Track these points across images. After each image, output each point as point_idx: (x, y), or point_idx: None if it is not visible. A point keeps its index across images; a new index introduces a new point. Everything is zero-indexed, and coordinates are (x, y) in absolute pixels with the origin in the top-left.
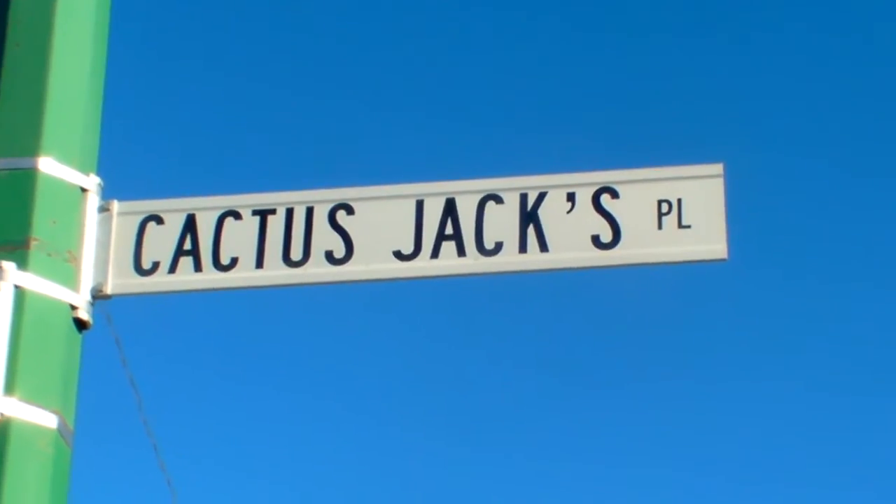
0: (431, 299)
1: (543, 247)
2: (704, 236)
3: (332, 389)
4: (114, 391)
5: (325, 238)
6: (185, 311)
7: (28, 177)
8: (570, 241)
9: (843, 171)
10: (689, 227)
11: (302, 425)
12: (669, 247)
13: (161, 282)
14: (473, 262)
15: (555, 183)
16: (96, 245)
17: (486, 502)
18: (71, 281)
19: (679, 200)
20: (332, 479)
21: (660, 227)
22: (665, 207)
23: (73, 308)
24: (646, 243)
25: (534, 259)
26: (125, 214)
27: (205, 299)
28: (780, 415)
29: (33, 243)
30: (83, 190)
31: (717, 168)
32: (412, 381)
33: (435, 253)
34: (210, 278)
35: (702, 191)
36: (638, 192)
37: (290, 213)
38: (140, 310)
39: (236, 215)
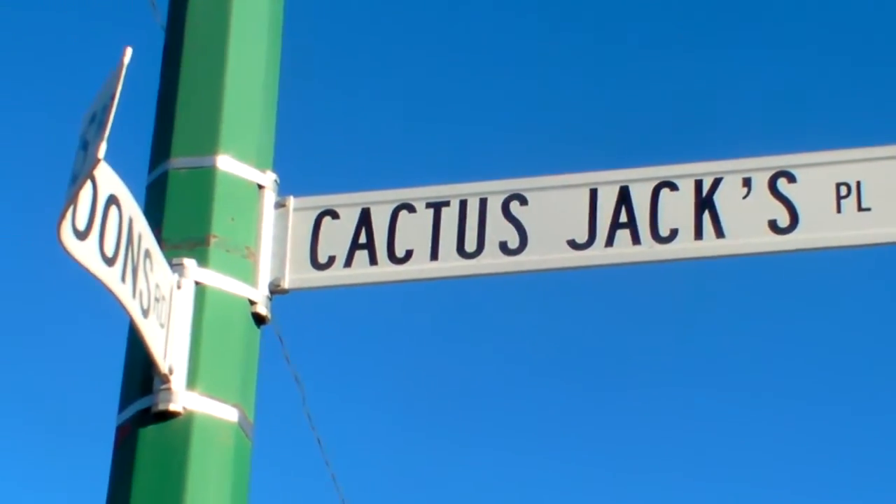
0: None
1: (720, 233)
2: (886, 219)
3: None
4: (277, 384)
5: (499, 229)
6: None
7: (207, 175)
8: (746, 226)
9: None
10: (869, 209)
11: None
12: (849, 230)
13: (337, 276)
14: (649, 250)
15: (730, 168)
16: (273, 241)
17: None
18: (249, 276)
19: (858, 183)
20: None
21: (839, 210)
22: (844, 190)
23: (252, 303)
24: (825, 227)
25: (710, 245)
26: (301, 210)
27: (373, 293)
28: None
29: (212, 240)
30: (260, 187)
31: None
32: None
33: (609, 241)
34: (385, 271)
35: (882, 172)
36: (816, 176)
37: (463, 204)
38: (307, 303)
39: (410, 208)
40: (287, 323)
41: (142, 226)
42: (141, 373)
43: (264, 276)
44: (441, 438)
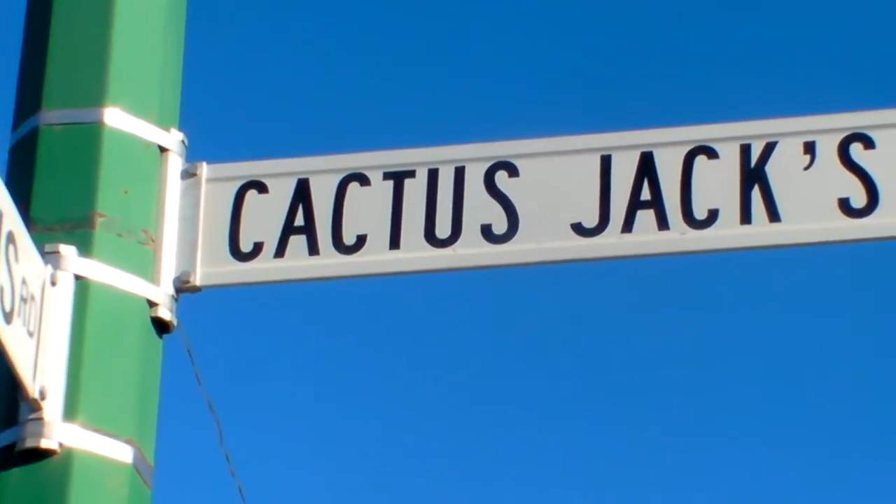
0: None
1: (774, 215)
2: None
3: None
4: (189, 415)
5: (480, 208)
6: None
7: (91, 133)
8: (809, 207)
9: None
10: None
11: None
12: None
13: (265, 269)
14: (679, 238)
15: (788, 129)
16: (180, 222)
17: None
18: (148, 270)
19: None
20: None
21: None
22: None
23: (152, 305)
24: None
25: (761, 232)
26: (217, 181)
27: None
28: None
29: (99, 220)
30: (162, 149)
31: None
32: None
33: (628, 226)
34: (329, 263)
35: None
36: None
37: (433, 175)
38: (232, 302)
39: (363, 180)
40: (197, 330)
41: (3, 200)
42: (3, 398)
43: (168, 270)
44: (399, 475)
